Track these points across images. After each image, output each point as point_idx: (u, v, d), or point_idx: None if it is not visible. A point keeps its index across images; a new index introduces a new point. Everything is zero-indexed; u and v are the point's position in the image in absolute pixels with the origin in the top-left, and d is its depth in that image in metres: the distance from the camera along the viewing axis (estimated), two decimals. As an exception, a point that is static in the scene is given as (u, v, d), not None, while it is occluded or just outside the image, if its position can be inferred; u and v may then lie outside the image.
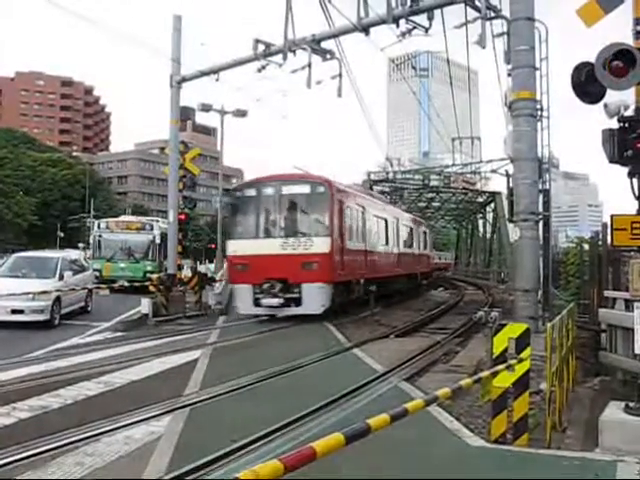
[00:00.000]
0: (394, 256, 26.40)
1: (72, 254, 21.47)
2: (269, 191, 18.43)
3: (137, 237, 30.27)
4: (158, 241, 29.36)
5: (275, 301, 17.27)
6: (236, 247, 18.65)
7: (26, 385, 8.98)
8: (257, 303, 17.64)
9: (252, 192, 18.84)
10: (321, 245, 17.49)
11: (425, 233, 35.87)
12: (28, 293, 15.47)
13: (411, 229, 31.36)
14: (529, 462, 5.80)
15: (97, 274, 27.29)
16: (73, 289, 17.78)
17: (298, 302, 17.37)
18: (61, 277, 17.33)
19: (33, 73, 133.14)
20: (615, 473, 5.24)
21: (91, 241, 32.26)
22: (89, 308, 19.47)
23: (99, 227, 31.57)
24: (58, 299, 16.56)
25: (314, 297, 17.21)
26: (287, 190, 18.23)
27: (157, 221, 32.36)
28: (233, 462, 5.49)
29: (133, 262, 29.47)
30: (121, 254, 29.86)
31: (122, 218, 36.04)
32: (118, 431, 6.60)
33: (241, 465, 5.26)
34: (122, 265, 29.25)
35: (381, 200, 29.37)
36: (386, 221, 25.27)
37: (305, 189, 18.30)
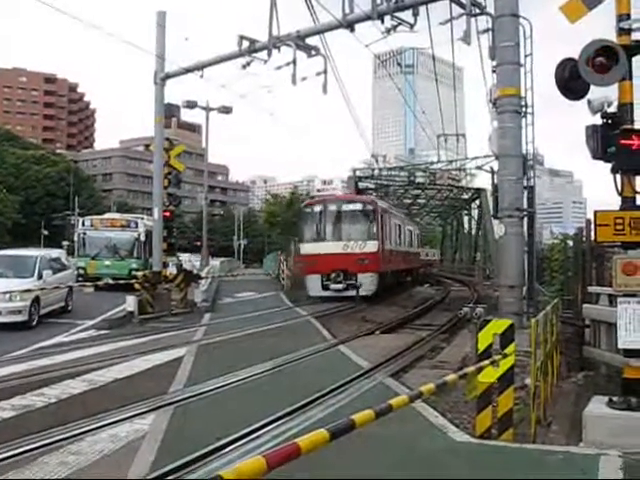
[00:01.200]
0: (404, 254, 32.64)
1: (53, 252, 21.06)
2: (333, 207, 25.11)
3: (122, 235, 30.00)
4: (143, 238, 29.12)
5: (340, 286, 23.38)
6: (308, 248, 24.96)
7: (9, 384, 8.89)
8: (325, 288, 23.67)
9: (320, 208, 25.21)
10: (371, 246, 23.96)
11: (418, 235, 43.22)
12: (5, 293, 15.03)
13: (411, 231, 37.95)
14: (514, 457, 5.83)
15: (82, 272, 27.15)
16: (57, 287, 17.48)
17: (355, 287, 23.01)
18: (40, 276, 16.67)
19: (15, 69, 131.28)
20: (598, 466, 5.28)
21: (75, 239, 31.93)
22: (69, 308, 19.01)
23: (83, 225, 31.27)
24: (37, 299, 15.99)
25: (367, 283, 23.28)
26: (345, 207, 25.10)
27: (142, 218, 32.10)
28: (217, 460, 5.47)
29: (118, 260, 29.20)
30: (106, 252, 29.56)
31: (107, 215, 35.66)
32: (102, 429, 6.56)
33: (225, 463, 5.25)
34: (107, 263, 28.99)
35: (397, 210, 35.62)
36: (400, 227, 31.72)
37: (358, 206, 25.25)
